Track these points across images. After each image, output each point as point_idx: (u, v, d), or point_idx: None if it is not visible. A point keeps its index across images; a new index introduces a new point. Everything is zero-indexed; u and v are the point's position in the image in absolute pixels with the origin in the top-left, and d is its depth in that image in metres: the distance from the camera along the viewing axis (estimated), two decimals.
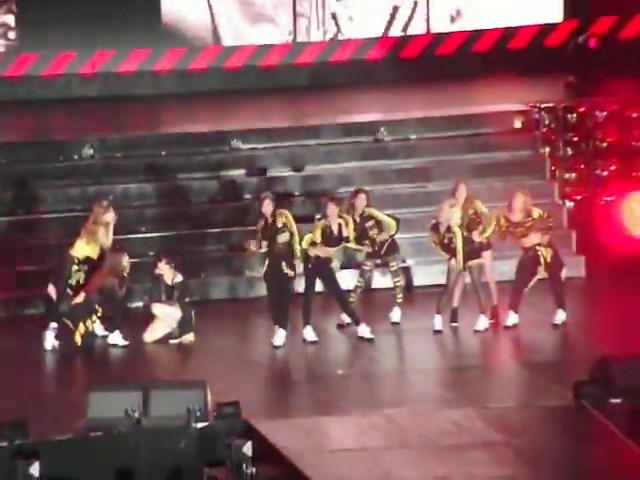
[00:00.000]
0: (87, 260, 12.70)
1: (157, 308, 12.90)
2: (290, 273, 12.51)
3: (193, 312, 12.84)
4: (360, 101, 16.65)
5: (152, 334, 12.78)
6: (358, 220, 13.06)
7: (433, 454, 9.79)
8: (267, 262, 12.54)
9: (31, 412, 10.15)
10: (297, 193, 14.83)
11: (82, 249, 12.73)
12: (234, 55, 17.45)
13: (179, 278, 12.92)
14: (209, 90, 17.08)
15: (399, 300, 13.09)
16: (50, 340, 12.51)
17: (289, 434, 10.11)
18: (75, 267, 12.62)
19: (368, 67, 17.49)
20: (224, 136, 15.32)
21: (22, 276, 13.71)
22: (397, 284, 13.13)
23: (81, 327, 12.51)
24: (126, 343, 12.61)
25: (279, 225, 12.52)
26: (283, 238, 12.49)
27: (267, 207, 12.58)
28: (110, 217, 12.89)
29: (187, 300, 12.89)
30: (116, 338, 12.66)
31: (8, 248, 13.93)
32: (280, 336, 12.45)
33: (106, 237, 12.84)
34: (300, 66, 17.47)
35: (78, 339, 12.53)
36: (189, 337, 12.78)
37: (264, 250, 12.56)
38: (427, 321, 12.92)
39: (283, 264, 12.46)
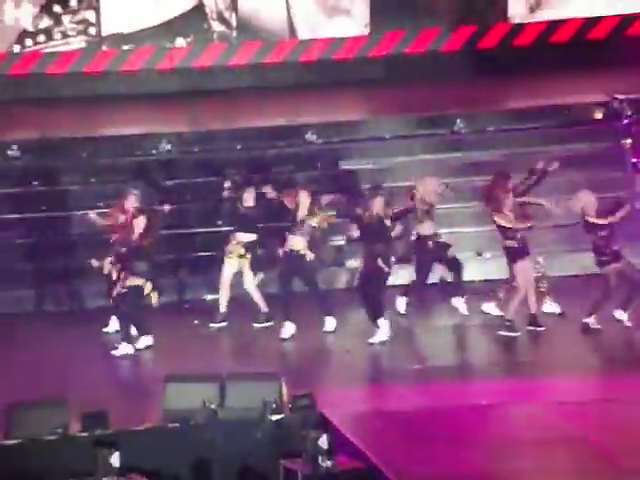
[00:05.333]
0: None
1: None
2: (386, 269, 12.46)
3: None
4: (436, 93, 16.54)
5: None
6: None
7: (511, 449, 9.70)
8: (364, 257, 12.43)
9: (111, 403, 10.28)
10: (371, 186, 14.82)
11: None
12: (310, 48, 17.46)
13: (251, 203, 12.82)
14: (285, 84, 17.11)
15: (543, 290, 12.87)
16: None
17: (365, 426, 10.10)
18: None
19: (444, 59, 17.37)
20: (299, 130, 15.35)
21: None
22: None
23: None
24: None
25: (386, 223, 12.42)
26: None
27: (379, 203, 12.47)
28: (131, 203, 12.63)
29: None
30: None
31: (90, 242, 14.10)
32: (383, 330, 12.37)
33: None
34: (376, 58, 17.41)
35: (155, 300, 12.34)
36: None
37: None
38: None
39: (379, 260, 12.39)
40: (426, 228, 12.92)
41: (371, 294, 12.41)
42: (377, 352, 12.39)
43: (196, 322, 13.19)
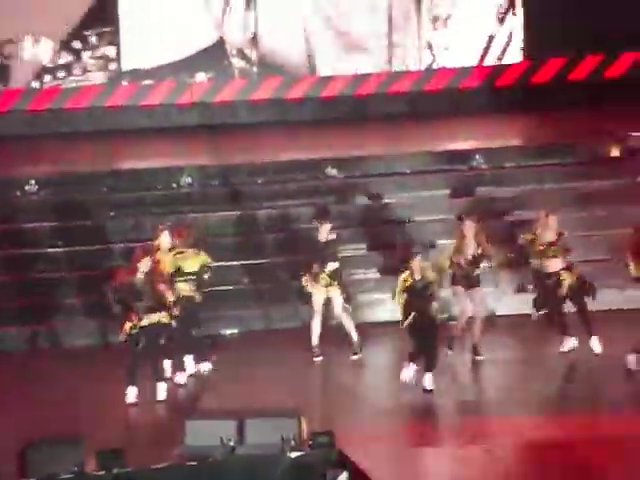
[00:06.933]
0: None
1: None
2: (438, 316, 12.37)
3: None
4: (456, 129, 16.59)
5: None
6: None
7: None
8: (412, 312, 12.21)
9: (128, 441, 10.26)
10: (389, 221, 14.88)
11: None
12: (330, 84, 17.54)
13: (333, 236, 12.88)
14: (305, 119, 17.19)
15: None
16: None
17: (384, 464, 10.06)
18: None
19: (463, 95, 17.43)
20: (319, 164, 15.41)
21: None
22: None
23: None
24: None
25: (428, 277, 12.27)
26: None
27: (417, 266, 12.22)
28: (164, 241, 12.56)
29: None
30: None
31: (107, 276, 14.12)
32: (429, 380, 12.19)
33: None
34: (396, 95, 17.48)
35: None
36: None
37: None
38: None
39: (430, 309, 12.23)
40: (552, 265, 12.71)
41: (424, 341, 12.24)
42: (405, 388, 12.31)
43: (214, 358, 13.15)
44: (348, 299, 13.09)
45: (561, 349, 12.77)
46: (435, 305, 12.29)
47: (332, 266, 12.95)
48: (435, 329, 12.30)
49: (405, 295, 12.29)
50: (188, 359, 12.67)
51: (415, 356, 12.29)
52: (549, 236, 12.73)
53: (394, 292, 12.36)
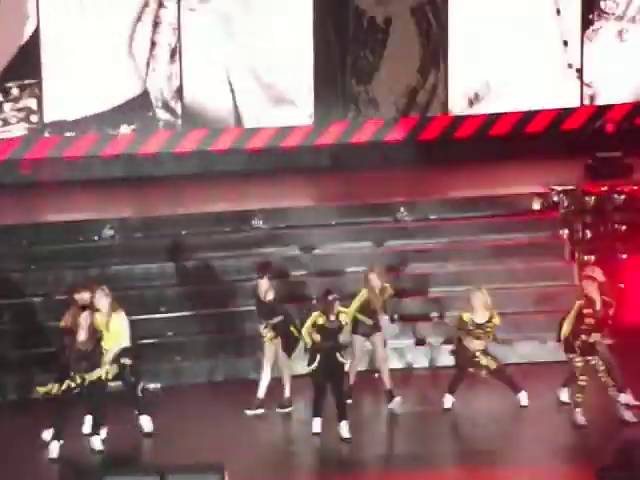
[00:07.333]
0: None
1: None
2: (345, 363, 12.49)
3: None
4: (380, 182, 16.74)
5: None
6: None
7: None
8: (319, 355, 12.34)
9: None
10: (315, 272, 14.91)
11: None
12: (256, 136, 17.62)
13: (271, 295, 12.87)
14: (231, 171, 17.22)
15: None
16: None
17: None
18: None
19: (387, 149, 17.61)
20: (245, 215, 15.42)
21: (39, 358, 13.63)
22: None
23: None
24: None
25: (341, 321, 12.42)
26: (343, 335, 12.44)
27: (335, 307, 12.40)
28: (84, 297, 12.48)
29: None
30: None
31: (28, 330, 13.93)
32: (345, 428, 12.24)
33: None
34: (321, 147, 17.61)
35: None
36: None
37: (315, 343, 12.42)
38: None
39: (338, 355, 12.40)
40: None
41: (332, 388, 12.30)
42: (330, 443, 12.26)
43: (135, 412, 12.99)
44: (290, 351, 13.05)
45: (445, 405, 12.94)
46: (344, 353, 12.39)
47: (275, 319, 12.99)
48: (342, 376, 12.35)
49: (315, 336, 12.34)
50: (144, 419, 12.46)
51: (319, 408, 12.31)
52: (479, 316, 12.90)
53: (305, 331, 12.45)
